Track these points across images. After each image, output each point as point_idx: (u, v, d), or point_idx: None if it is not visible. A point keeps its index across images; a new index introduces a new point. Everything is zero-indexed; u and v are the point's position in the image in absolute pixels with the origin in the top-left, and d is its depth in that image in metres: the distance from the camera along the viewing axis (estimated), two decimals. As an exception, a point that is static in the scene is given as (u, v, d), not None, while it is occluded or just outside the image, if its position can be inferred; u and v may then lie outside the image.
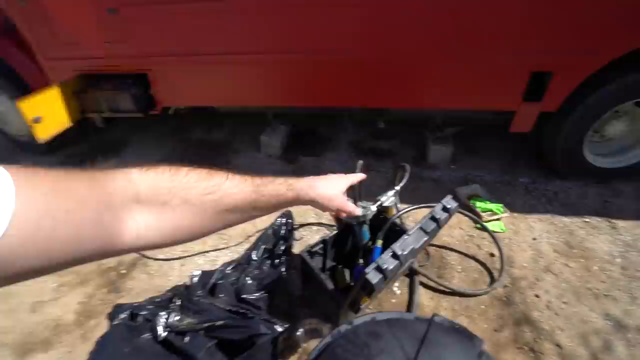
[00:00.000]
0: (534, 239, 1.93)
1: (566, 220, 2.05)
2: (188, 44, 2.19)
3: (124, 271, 2.00)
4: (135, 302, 1.71)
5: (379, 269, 1.02)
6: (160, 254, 2.06)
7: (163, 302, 1.67)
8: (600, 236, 1.93)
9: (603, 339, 1.45)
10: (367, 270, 1.02)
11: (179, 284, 1.86)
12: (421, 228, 1.15)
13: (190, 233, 0.56)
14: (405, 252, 1.07)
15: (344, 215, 0.96)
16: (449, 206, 1.22)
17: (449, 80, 2.07)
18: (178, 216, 0.52)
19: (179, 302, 1.63)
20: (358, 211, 1.01)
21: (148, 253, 2.07)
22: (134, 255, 2.07)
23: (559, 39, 1.79)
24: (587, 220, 2.04)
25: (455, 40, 1.89)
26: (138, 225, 0.48)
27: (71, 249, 0.39)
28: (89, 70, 2.40)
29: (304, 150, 2.85)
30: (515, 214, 2.10)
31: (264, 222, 2.01)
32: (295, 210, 2.02)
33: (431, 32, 1.88)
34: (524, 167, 2.50)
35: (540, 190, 2.28)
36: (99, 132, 3.03)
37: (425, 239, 1.14)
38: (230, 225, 0.64)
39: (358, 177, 1.01)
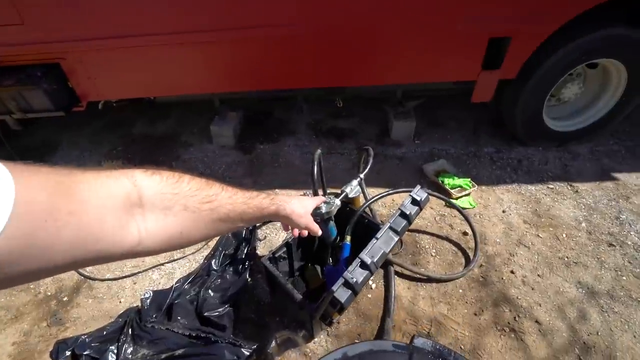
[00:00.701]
0: (504, 211, 1.91)
1: (532, 188, 2.04)
2: (108, 24, 1.83)
3: (65, 298, 1.74)
4: (83, 335, 1.47)
5: (347, 284, 0.89)
6: (107, 272, 1.82)
7: (112, 333, 1.46)
8: (565, 201, 1.95)
9: (578, 309, 1.46)
10: (334, 287, 0.88)
11: (132, 306, 1.64)
12: (391, 227, 1.02)
13: (185, 240, 0.56)
14: (375, 259, 0.94)
15: (305, 233, 0.95)
16: (418, 198, 1.09)
17: (407, 53, 1.93)
18: (177, 223, 0.53)
19: (130, 331, 1.43)
20: (320, 232, 0.95)
21: (94, 273, 1.82)
22: (76, 278, 1.81)
23: (516, 3, 1.71)
24: (551, 186, 2.05)
25: (411, 7, 1.73)
26: (139, 229, 0.47)
27: (73, 251, 0.39)
28: (-21, 64, 1.97)
29: (260, 137, 2.62)
30: (484, 187, 2.06)
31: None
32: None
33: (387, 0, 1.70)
34: (487, 137, 2.46)
35: (504, 160, 2.26)
36: (16, 136, 2.59)
37: (396, 239, 1.02)
38: (219, 234, 0.69)
39: (321, 199, 1.06)
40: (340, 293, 0.87)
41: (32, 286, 1.77)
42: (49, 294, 1.75)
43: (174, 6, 1.77)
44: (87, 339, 1.41)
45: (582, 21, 1.74)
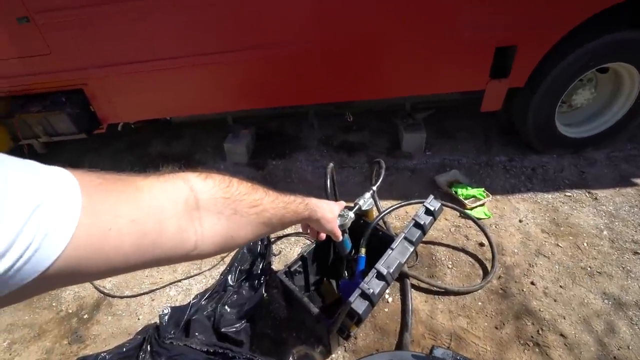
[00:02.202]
0: (520, 221, 1.87)
1: (548, 196, 2.00)
2: (125, 51, 1.94)
3: (86, 316, 1.77)
4: (103, 352, 1.49)
5: (364, 295, 0.89)
6: (126, 290, 1.85)
7: (131, 350, 1.47)
8: (584, 209, 1.90)
9: (605, 321, 1.40)
10: (351, 299, 0.88)
11: (151, 322, 1.66)
12: (405, 238, 1.02)
13: (235, 243, 0.56)
14: (391, 270, 0.94)
15: (323, 237, 0.98)
16: (432, 208, 1.09)
17: (416, 65, 1.96)
18: (229, 227, 0.53)
19: (149, 348, 1.44)
20: (341, 237, 0.99)
21: (113, 290, 1.85)
22: (96, 295, 1.85)
23: (521, 11, 1.73)
24: (568, 194, 2.00)
25: (417, 20, 1.77)
26: (197, 234, 0.48)
27: (135, 256, 0.40)
28: (9, 92, 2.09)
29: (272, 154, 2.67)
30: (498, 197, 2.03)
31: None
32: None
33: (393, 12, 1.75)
34: (499, 145, 2.44)
35: (518, 168, 2.23)
36: (42, 158, 2.71)
37: (412, 249, 1.01)
38: (259, 238, 0.72)
39: (342, 204, 1.07)
40: (358, 304, 0.87)
41: (54, 304, 1.82)
42: (70, 311, 1.79)
43: (187, 30, 1.86)
44: (106, 357, 1.43)
45: (588, 27, 1.74)
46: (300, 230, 1.17)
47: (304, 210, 0.77)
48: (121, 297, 1.80)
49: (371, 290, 0.89)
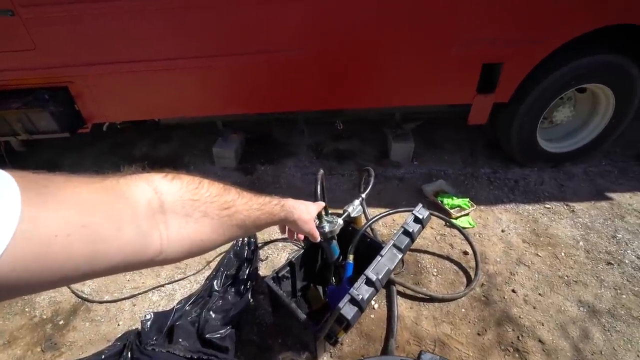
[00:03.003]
0: (503, 230, 1.93)
1: (529, 208, 2.08)
2: (114, 50, 1.91)
3: (62, 322, 1.70)
4: (79, 359, 1.44)
5: (353, 301, 0.90)
6: (106, 294, 1.79)
7: (111, 357, 1.42)
8: (562, 221, 1.98)
9: (580, 328, 1.46)
10: (340, 304, 0.89)
11: (132, 328, 1.61)
12: (394, 245, 1.04)
13: (205, 247, 0.54)
14: (380, 276, 0.95)
15: (301, 237, 1.00)
16: (421, 216, 1.12)
17: (406, 77, 2.01)
18: (198, 230, 0.51)
19: (130, 355, 1.40)
20: (319, 238, 1.00)
21: (92, 295, 1.79)
22: (73, 300, 1.78)
23: (507, 31, 1.81)
24: (548, 206, 2.09)
25: (410, 36, 1.83)
26: (162, 238, 0.46)
27: (90, 263, 0.37)
28: (-10, 86, 2.02)
29: (261, 159, 2.67)
30: (482, 207, 2.09)
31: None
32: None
33: (383, 26, 1.80)
34: (484, 158, 2.52)
35: (502, 180, 2.31)
36: (19, 157, 2.62)
37: (400, 256, 1.03)
38: (232, 240, 0.68)
39: (321, 204, 1.06)
40: (347, 310, 0.88)
41: (27, 309, 1.74)
42: (45, 317, 1.71)
43: (177, 33, 1.85)
44: (83, 364, 1.38)
45: (569, 49, 1.84)
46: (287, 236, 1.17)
47: (279, 212, 0.76)
48: (100, 302, 1.74)
49: (360, 296, 0.90)
